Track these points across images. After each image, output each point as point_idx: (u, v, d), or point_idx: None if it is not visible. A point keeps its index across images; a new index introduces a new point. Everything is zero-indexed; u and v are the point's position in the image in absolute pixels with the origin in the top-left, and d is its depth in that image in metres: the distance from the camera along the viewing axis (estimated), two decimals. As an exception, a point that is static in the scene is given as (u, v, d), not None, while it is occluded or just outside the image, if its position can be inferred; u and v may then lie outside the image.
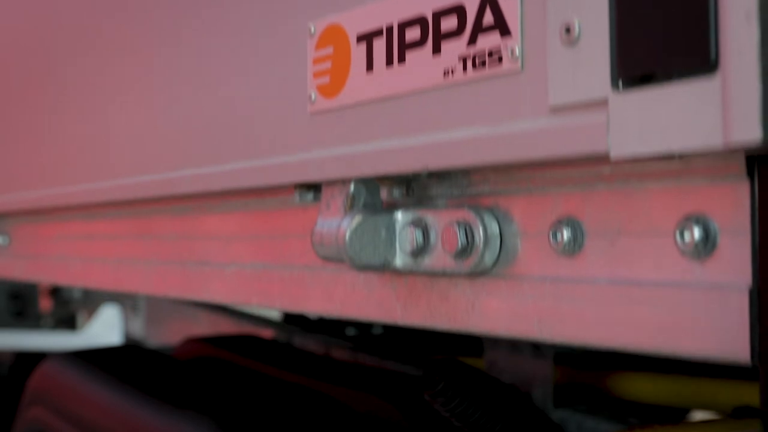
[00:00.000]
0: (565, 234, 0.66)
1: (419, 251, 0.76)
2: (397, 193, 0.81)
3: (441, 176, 0.79)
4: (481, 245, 0.72)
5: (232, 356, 1.46)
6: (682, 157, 0.56)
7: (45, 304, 3.17)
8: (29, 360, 2.67)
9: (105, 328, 2.56)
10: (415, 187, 0.81)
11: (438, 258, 0.75)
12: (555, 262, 0.68)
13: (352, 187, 0.79)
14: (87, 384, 1.43)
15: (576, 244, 0.67)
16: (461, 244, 0.72)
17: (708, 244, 0.57)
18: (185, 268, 1.28)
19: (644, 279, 0.62)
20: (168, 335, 2.26)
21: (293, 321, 2.59)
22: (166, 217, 1.34)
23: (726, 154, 0.53)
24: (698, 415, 1.51)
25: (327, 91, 0.82)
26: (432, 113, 0.72)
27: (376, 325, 2.07)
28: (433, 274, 0.78)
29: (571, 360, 1.35)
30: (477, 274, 0.73)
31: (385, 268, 0.78)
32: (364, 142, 0.78)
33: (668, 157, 0.56)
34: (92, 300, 2.89)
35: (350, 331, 2.00)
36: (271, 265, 1.07)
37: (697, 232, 0.57)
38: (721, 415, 1.24)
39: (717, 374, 1.33)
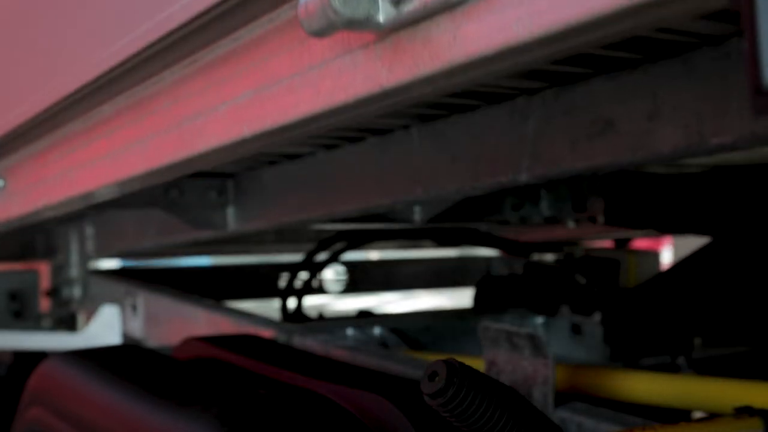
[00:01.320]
0: None
1: None
2: None
3: None
4: None
5: (232, 356, 1.47)
6: None
7: (44, 304, 3.16)
8: (29, 360, 2.66)
9: (105, 329, 2.55)
10: None
11: None
12: None
13: None
14: (87, 384, 1.43)
15: None
16: None
17: None
18: (180, 129, 1.27)
19: None
20: (168, 335, 2.27)
21: (293, 321, 2.59)
22: (161, 88, 1.33)
23: None
24: (698, 415, 1.51)
25: None
26: None
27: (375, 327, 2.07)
28: (416, 21, 0.81)
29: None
30: (458, 1, 0.76)
31: (369, 23, 0.81)
32: None
33: None
34: (92, 300, 2.89)
35: (350, 332, 2.00)
36: (260, 87, 1.08)
37: None
38: (720, 415, 1.24)
39: (717, 374, 1.33)
